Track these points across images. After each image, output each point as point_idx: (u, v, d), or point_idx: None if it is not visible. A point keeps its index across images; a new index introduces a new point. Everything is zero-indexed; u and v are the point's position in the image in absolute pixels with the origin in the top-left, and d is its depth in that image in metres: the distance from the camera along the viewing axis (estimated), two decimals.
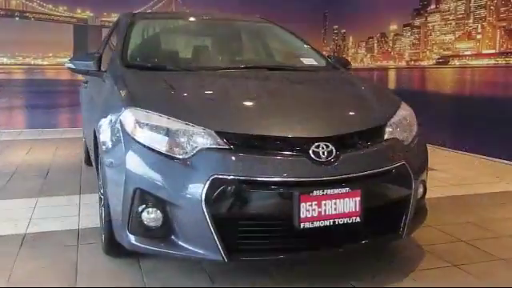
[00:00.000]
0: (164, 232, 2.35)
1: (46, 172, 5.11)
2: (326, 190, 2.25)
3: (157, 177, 2.31)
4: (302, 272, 2.62)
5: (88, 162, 5.27)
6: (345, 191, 2.28)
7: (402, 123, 2.70)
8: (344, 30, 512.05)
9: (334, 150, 2.33)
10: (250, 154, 2.28)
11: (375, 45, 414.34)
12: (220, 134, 2.31)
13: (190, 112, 2.44)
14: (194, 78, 3.07)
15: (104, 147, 2.59)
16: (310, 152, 2.30)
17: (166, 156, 2.32)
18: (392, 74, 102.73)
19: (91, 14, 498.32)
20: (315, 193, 2.24)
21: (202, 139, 2.31)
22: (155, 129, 2.38)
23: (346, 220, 2.30)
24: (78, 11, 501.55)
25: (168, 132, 2.36)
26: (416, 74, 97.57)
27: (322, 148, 2.31)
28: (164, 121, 2.39)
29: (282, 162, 2.27)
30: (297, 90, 3.03)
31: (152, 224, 2.35)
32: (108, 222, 2.63)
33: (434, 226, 3.35)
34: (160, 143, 2.35)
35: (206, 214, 2.20)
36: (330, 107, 2.71)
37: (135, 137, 2.40)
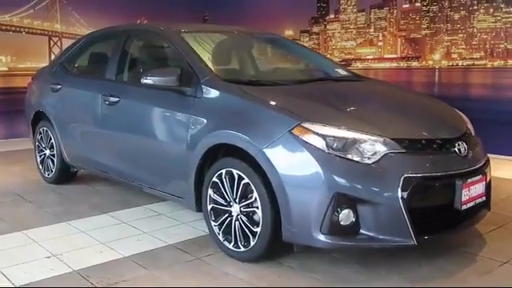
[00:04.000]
0: (354, 228, 2.72)
1: (18, 195, 4.64)
2: (472, 178, 2.91)
3: (353, 181, 2.67)
4: (426, 249, 3.20)
5: (59, 180, 4.94)
6: (479, 178, 2.98)
7: (468, 122, 3.48)
8: None
9: (466, 147, 2.99)
10: (420, 154, 2.81)
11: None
12: (395, 140, 2.77)
13: (361, 123, 2.84)
14: (307, 91, 3.36)
15: (277, 160, 2.78)
16: (456, 149, 2.92)
17: (356, 162, 2.69)
18: None
19: None
20: (468, 181, 2.87)
21: (382, 146, 2.74)
22: (339, 139, 2.72)
23: (479, 200, 3.00)
24: None
25: (350, 141, 2.72)
26: None
27: (461, 145, 2.96)
28: (344, 132, 2.75)
29: (444, 159, 2.87)
30: (393, 98, 3.58)
31: (345, 223, 2.70)
32: (273, 227, 2.85)
33: None
34: (346, 151, 2.71)
35: (402, 207, 2.66)
36: (436, 112, 3.34)
37: (322, 148, 2.70)
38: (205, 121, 3.22)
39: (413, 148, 2.81)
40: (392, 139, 2.77)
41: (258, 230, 2.92)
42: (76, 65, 4.89)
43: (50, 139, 4.88)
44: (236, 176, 3.02)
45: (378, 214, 2.70)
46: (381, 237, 2.71)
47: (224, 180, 3.10)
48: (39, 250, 3.32)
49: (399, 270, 2.93)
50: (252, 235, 2.97)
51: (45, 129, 4.96)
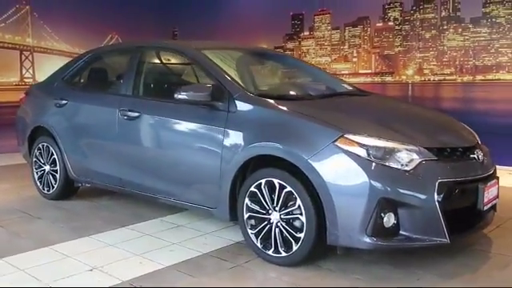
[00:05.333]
0: (394, 229, 2.97)
1: (22, 212, 4.58)
2: (490, 182, 3.25)
3: (395, 186, 2.93)
4: (443, 249, 3.50)
5: (60, 196, 4.92)
6: (494, 181, 3.32)
7: (475, 133, 3.83)
8: None
9: (482, 154, 3.33)
10: (448, 161, 3.12)
11: None
12: (427, 148, 3.07)
13: (394, 133, 3.11)
14: (333, 104, 3.62)
15: (323, 169, 2.99)
16: (475, 156, 3.26)
17: (396, 169, 2.96)
18: None
19: None
20: (488, 184, 3.21)
21: (417, 154, 3.02)
22: (378, 149, 2.98)
23: (494, 201, 3.35)
24: None
25: (389, 150, 2.99)
26: None
27: (478, 153, 3.30)
28: (383, 142, 3.01)
29: (467, 165, 3.19)
30: (408, 111, 3.88)
31: (388, 225, 2.95)
32: (317, 232, 3.05)
33: None
34: (386, 160, 2.97)
35: (438, 208, 2.95)
36: (449, 123, 3.67)
37: (364, 157, 2.95)
38: (241, 134, 3.38)
39: (441, 156, 3.12)
40: (425, 148, 3.07)
41: (302, 235, 3.11)
42: (82, 80, 4.91)
43: (52, 155, 4.85)
44: (277, 185, 3.20)
45: (416, 216, 2.97)
46: (417, 236, 2.98)
47: (263, 189, 3.27)
48: (76, 263, 3.35)
49: (429, 268, 3.21)
50: (294, 240, 3.15)
51: (45, 144, 4.92)
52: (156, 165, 3.96)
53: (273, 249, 3.26)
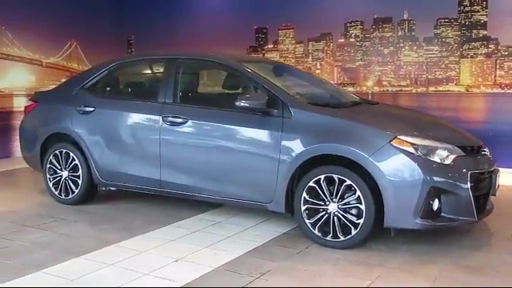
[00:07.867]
0: (437, 212, 3.66)
1: (51, 217, 4.66)
2: (498, 173, 4.07)
3: (441, 177, 3.62)
4: (451, 230, 4.25)
5: (80, 200, 5.06)
6: (498, 173, 4.15)
7: None
8: None
9: (488, 152, 4.16)
10: (472, 157, 3.89)
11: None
12: (458, 147, 3.81)
13: (433, 134, 3.81)
14: (367, 111, 4.27)
15: (383, 165, 3.59)
16: (486, 153, 4.07)
17: (439, 163, 3.66)
18: None
19: None
20: (497, 175, 4.03)
21: (453, 151, 3.75)
22: (424, 147, 3.66)
23: (498, 189, 4.17)
24: None
25: (432, 148, 3.68)
26: None
27: (486, 150, 4.11)
28: (427, 141, 3.70)
29: (483, 160, 3.98)
30: (419, 117, 4.59)
31: (435, 209, 3.63)
32: (375, 218, 3.66)
33: None
34: (432, 156, 3.65)
35: (470, 194, 3.69)
36: (454, 127, 4.44)
37: (416, 154, 3.61)
38: (298, 137, 3.89)
39: (467, 152, 3.88)
40: (457, 146, 3.81)
41: (361, 221, 3.69)
42: (109, 88, 5.07)
43: (73, 160, 4.98)
44: (336, 180, 3.75)
45: (454, 200, 3.68)
46: (453, 217, 3.70)
47: (322, 184, 3.80)
48: (156, 257, 3.62)
49: (455, 243, 3.94)
50: (353, 226, 3.72)
51: (63, 151, 5.03)
52: (206, 166, 4.31)
53: (331, 234, 3.80)
